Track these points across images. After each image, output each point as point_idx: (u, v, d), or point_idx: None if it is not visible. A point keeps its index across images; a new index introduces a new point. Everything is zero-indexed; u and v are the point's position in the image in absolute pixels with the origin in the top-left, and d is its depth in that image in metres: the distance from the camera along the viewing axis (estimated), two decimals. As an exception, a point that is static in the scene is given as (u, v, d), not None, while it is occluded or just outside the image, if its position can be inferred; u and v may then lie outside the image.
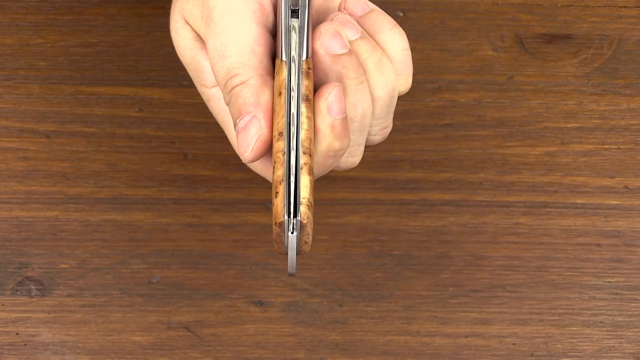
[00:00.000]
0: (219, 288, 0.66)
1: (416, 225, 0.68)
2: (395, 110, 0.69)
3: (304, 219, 0.47)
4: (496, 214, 0.68)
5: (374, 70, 0.51)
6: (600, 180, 0.69)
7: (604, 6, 0.73)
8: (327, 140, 0.49)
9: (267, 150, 0.49)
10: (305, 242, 0.48)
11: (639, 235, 0.68)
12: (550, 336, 0.66)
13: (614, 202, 0.69)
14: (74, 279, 0.66)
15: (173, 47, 0.54)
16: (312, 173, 0.48)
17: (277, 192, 0.47)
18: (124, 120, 0.69)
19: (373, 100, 0.51)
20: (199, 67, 0.53)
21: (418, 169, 0.69)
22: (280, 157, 0.47)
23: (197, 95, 0.70)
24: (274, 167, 0.48)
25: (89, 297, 0.66)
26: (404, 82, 0.53)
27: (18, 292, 0.66)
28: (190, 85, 0.70)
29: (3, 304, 0.66)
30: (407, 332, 0.66)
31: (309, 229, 0.47)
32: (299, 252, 0.48)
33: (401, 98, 0.65)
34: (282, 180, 0.47)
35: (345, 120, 0.49)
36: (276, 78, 0.49)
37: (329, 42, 0.49)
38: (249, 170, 0.68)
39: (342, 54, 0.49)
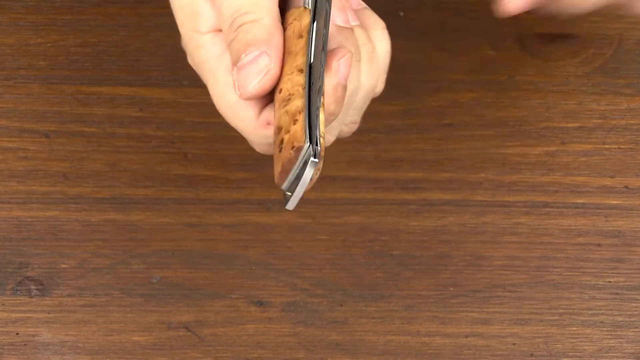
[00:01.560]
0: (219, 288, 0.66)
1: (416, 225, 0.68)
2: (395, 109, 0.70)
3: (321, 152, 0.45)
4: (496, 213, 0.68)
5: (366, 58, 0.50)
6: (600, 180, 0.69)
7: (604, 6, 0.73)
8: (327, 101, 0.47)
9: (271, 88, 0.47)
10: (315, 177, 0.47)
11: (639, 235, 0.68)
12: (550, 336, 0.66)
13: (614, 202, 0.69)
14: (74, 279, 0.66)
15: (173, 47, 0.54)
16: None
17: (295, 120, 0.46)
18: (124, 120, 0.69)
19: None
20: (197, 11, 0.50)
21: (418, 169, 0.69)
22: (299, 90, 0.46)
23: (197, 95, 0.70)
24: (289, 99, 0.46)
25: (89, 297, 0.66)
26: (381, 83, 0.52)
27: (18, 292, 0.66)
28: (190, 85, 0.70)
29: (3, 304, 0.66)
30: (407, 332, 0.66)
31: (321, 165, 0.46)
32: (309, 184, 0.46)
33: (401, 97, 0.65)
34: (302, 111, 0.46)
35: (345, 87, 0.48)
36: (295, 23, 0.48)
37: (335, 13, 0.49)
38: (250, 170, 0.68)
39: (346, 27, 0.49)
